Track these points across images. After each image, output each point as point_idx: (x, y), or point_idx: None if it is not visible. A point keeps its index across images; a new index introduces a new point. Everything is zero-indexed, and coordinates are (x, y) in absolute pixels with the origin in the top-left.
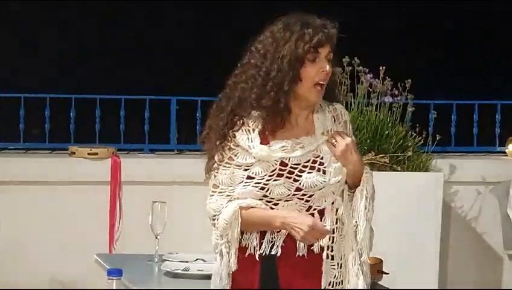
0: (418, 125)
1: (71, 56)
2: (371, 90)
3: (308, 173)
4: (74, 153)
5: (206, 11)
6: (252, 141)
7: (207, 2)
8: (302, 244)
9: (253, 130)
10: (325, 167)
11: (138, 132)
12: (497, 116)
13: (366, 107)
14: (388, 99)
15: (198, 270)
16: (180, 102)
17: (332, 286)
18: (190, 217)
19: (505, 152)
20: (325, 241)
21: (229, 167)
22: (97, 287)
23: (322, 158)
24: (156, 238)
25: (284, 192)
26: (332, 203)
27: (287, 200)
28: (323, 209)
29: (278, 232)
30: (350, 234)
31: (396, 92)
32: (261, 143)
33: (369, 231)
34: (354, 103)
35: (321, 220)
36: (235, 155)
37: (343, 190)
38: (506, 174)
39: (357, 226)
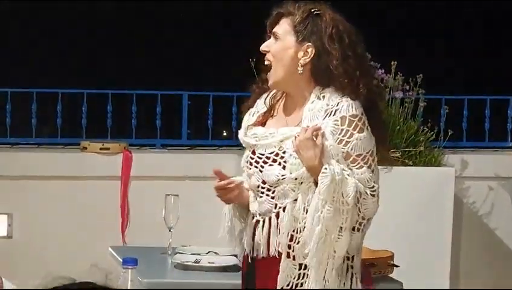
0: (429, 120)
1: (82, 52)
2: (382, 85)
3: (270, 165)
4: (86, 148)
5: (219, 5)
6: (245, 123)
7: None
8: (275, 244)
9: (254, 113)
10: (285, 161)
11: (150, 127)
12: (509, 111)
13: None
14: (399, 94)
15: (209, 262)
16: (191, 97)
17: (292, 287)
18: (202, 211)
19: None
20: (284, 240)
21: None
22: (112, 279)
23: (284, 152)
24: (169, 231)
25: (255, 183)
26: (295, 200)
27: (259, 195)
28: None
29: (262, 234)
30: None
31: (408, 87)
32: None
33: (319, 234)
34: None
35: (281, 219)
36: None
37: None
38: None
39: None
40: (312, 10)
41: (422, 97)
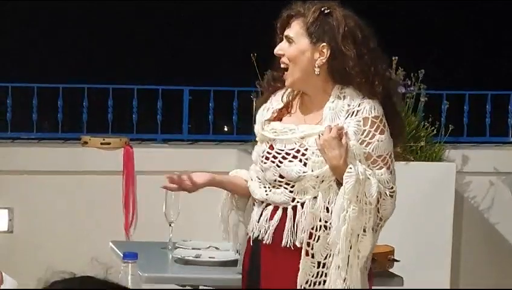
0: (430, 115)
1: (84, 46)
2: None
3: (290, 161)
4: (87, 143)
5: (219, 1)
6: (260, 117)
7: None
8: (289, 233)
9: (269, 109)
10: (306, 159)
11: (151, 121)
12: (509, 106)
13: None
14: (401, 89)
15: (210, 257)
16: (192, 92)
17: (310, 285)
18: (202, 206)
19: None
20: (303, 237)
21: (257, 143)
22: (112, 274)
23: (306, 149)
24: (170, 225)
25: (271, 177)
26: (315, 197)
27: (276, 187)
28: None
29: (270, 220)
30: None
31: (409, 83)
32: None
33: (345, 234)
34: None
35: (300, 215)
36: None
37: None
38: None
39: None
40: (322, 9)
41: (423, 92)
